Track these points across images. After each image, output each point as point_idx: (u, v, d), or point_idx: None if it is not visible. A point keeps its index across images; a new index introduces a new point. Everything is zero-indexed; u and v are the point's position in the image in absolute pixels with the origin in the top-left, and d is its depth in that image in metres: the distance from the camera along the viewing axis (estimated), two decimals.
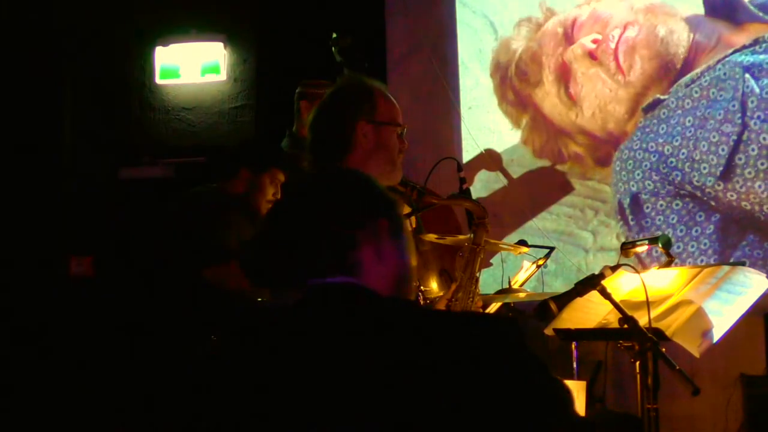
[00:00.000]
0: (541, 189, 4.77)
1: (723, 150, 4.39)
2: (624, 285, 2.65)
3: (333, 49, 3.81)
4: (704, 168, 4.43)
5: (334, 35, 3.80)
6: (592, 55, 4.63)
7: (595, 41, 4.63)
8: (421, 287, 2.79)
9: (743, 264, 2.66)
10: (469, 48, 4.90)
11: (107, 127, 5.36)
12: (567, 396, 1.31)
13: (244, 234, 3.55)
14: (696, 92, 4.49)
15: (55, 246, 5.21)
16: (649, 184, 4.53)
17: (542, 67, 4.71)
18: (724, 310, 2.44)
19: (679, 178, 4.46)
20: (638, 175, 4.56)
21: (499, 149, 4.81)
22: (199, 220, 3.60)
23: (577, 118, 4.68)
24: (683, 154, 4.46)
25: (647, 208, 4.52)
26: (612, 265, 2.51)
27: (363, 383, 1.28)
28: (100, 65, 5.38)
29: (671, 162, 4.49)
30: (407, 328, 1.33)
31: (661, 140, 4.53)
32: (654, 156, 4.53)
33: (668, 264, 2.75)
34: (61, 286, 5.17)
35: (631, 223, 4.54)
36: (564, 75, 4.68)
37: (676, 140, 4.49)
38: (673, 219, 4.47)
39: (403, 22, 4.94)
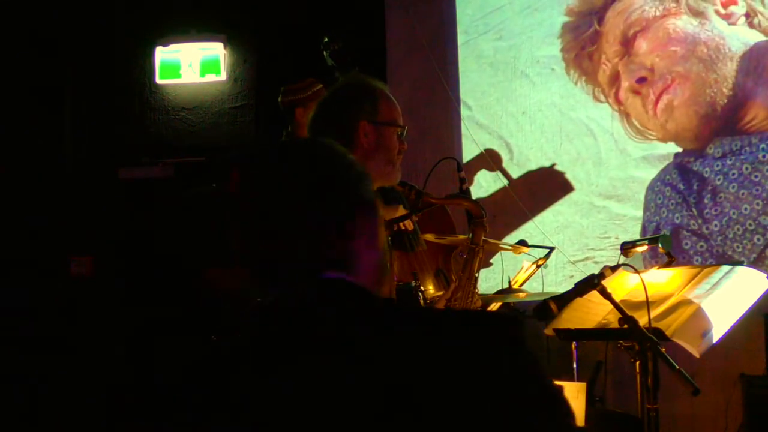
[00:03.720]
0: (541, 189, 4.77)
1: (759, 240, 4.37)
2: (624, 285, 2.65)
3: (324, 53, 3.81)
4: (737, 247, 4.39)
5: (326, 39, 3.80)
6: (636, 91, 4.63)
7: (641, 80, 4.61)
8: (421, 287, 2.79)
9: (743, 264, 2.66)
10: (469, 47, 4.90)
11: (107, 127, 5.36)
12: (566, 405, 1.21)
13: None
14: (730, 161, 4.44)
15: (55, 246, 5.21)
16: (693, 224, 4.49)
17: (599, 66, 4.70)
18: (724, 310, 2.44)
19: (714, 246, 4.45)
20: (678, 209, 4.53)
21: (499, 150, 4.81)
22: (200, 219, 3.60)
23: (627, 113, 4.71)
24: (716, 226, 4.43)
25: (686, 245, 4.49)
26: (612, 265, 2.51)
27: (360, 394, 1.15)
28: (100, 65, 5.38)
29: (705, 228, 4.46)
30: (405, 333, 1.19)
31: (696, 195, 4.49)
32: (693, 206, 4.50)
33: (668, 264, 2.75)
34: (61, 286, 5.17)
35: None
36: (615, 82, 4.68)
37: (709, 209, 4.45)
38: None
39: (403, 22, 4.93)
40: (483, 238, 2.46)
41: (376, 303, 1.25)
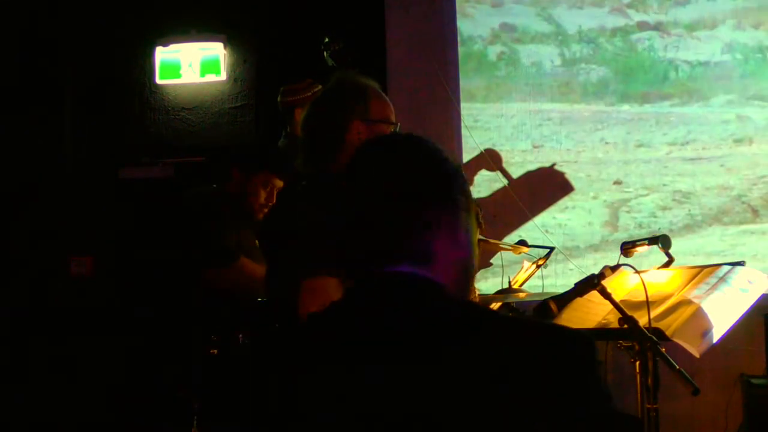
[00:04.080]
0: (541, 189, 4.76)
1: None
2: (624, 285, 2.64)
3: (324, 53, 3.81)
4: None
5: (326, 39, 3.80)
6: None
7: None
8: None
9: (743, 264, 2.65)
10: (469, 47, 4.90)
11: (107, 127, 5.36)
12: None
13: (241, 234, 3.56)
14: None
15: (55, 246, 5.20)
16: None
17: None
18: (724, 310, 2.44)
19: None
20: None
21: (498, 149, 4.81)
22: (199, 220, 3.59)
23: None
24: None
25: None
26: (612, 265, 2.51)
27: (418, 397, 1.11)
28: (100, 65, 5.38)
29: None
30: (476, 336, 1.14)
31: None
32: None
33: (668, 264, 2.75)
34: (61, 286, 5.17)
35: None
36: None
37: None
38: None
39: (403, 22, 4.93)
40: (478, 236, 2.46)
41: (449, 302, 1.20)
